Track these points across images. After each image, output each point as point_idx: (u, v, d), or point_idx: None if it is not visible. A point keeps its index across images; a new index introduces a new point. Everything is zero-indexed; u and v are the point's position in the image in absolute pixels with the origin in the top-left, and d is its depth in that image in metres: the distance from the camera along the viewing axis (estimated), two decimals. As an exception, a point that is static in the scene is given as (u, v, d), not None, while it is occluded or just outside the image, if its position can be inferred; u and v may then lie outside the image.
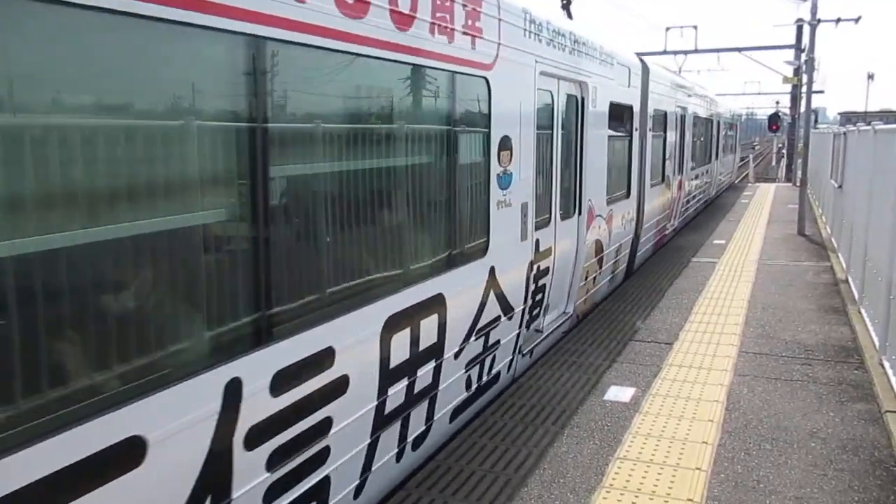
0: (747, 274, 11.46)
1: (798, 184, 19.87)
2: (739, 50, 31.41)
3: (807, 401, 6.20)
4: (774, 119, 32.28)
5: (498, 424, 5.68)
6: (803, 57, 20.90)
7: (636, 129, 10.86)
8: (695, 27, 30.49)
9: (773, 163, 45.75)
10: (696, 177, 18.46)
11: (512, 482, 4.80)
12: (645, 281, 11.03)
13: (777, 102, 49.11)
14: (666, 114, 13.41)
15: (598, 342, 7.87)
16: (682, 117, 15.36)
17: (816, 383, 6.61)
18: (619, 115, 9.81)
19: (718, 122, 23.11)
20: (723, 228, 16.77)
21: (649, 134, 11.84)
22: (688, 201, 17.27)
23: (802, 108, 19.20)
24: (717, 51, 32.96)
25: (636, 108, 10.75)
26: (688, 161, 16.35)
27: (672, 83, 14.40)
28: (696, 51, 31.33)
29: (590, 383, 6.61)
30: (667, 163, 13.81)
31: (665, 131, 13.47)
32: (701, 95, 18.77)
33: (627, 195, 10.69)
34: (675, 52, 31.28)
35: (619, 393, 6.37)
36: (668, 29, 31.23)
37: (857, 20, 26.19)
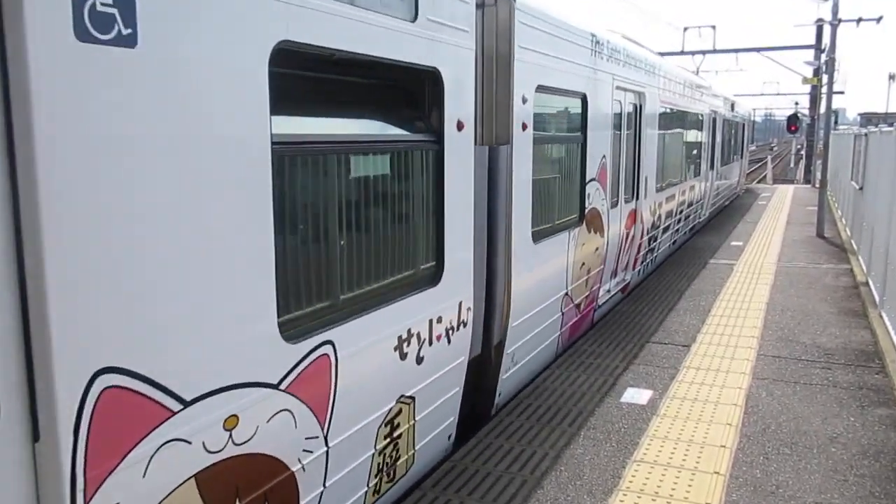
0: (766, 276, 11.35)
1: (817, 185, 19.67)
2: (758, 50, 31.17)
3: (827, 405, 6.13)
4: (793, 120, 31.95)
5: (514, 425, 5.67)
6: (823, 57, 20.70)
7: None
8: (713, 27, 30.29)
9: (792, 164, 45.33)
10: (673, 198, 12.74)
11: (528, 483, 4.79)
12: (662, 282, 10.96)
13: (796, 103, 48.63)
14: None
15: (614, 343, 7.83)
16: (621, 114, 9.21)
17: (836, 387, 6.54)
18: None
19: (714, 121, 17.40)
20: (741, 230, 16.63)
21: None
22: (652, 240, 11.43)
23: (822, 109, 19.00)
24: (736, 51, 32.68)
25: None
26: (648, 180, 10.58)
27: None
28: (714, 51, 31.11)
29: (606, 385, 6.58)
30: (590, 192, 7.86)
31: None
32: (670, 79, 11.85)
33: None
34: (693, 53, 31.11)
35: (635, 395, 6.34)
36: (686, 29, 31.02)
37: (878, 20, 25.86)
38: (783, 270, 11.83)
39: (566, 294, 7.34)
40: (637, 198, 10.21)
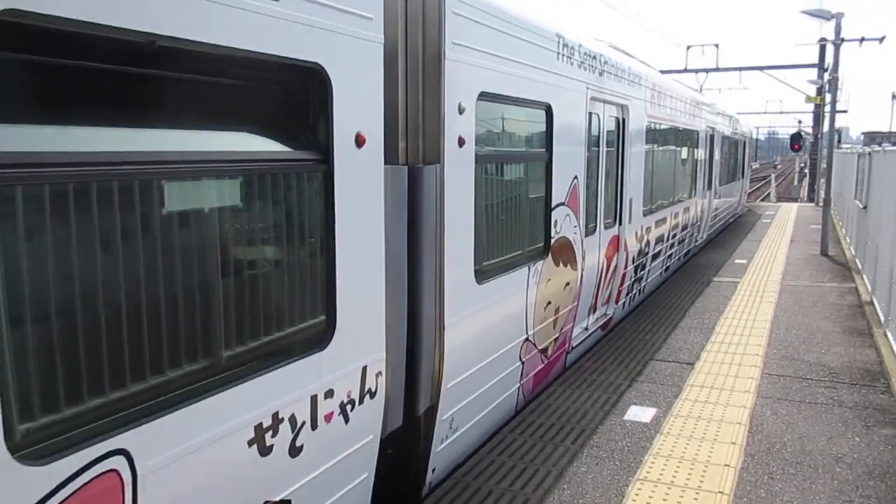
0: (770, 294, 11.32)
1: (821, 204, 19.67)
2: (761, 68, 31.30)
3: (832, 424, 6.09)
4: (797, 138, 31.99)
5: (517, 443, 5.64)
6: (826, 76, 20.77)
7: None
8: (716, 45, 30.44)
9: (796, 182, 45.35)
10: (664, 221, 11.80)
11: (531, 502, 4.75)
12: (666, 299, 10.93)
13: (799, 122, 48.74)
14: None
15: (618, 361, 7.79)
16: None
17: (841, 407, 6.49)
18: None
19: (711, 138, 16.35)
20: (744, 248, 16.61)
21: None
22: (639, 269, 10.41)
23: (826, 128, 19.03)
24: (739, 69, 32.79)
25: None
26: (634, 202, 9.58)
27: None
28: (717, 69, 31.25)
29: (609, 402, 6.54)
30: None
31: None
32: (653, 88, 10.39)
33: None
34: (696, 70, 31.24)
35: (639, 413, 6.30)
36: (689, 47, 31.18)
37: (881, 40, 25.99)
38: (787, 289, 11.79)
39: (527, 340, 6.25)
40: (620, 223, 9.08)
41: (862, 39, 26.05)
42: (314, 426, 3.60)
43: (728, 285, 12.04)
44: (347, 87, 3.61)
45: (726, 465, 5.27)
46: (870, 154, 12.96)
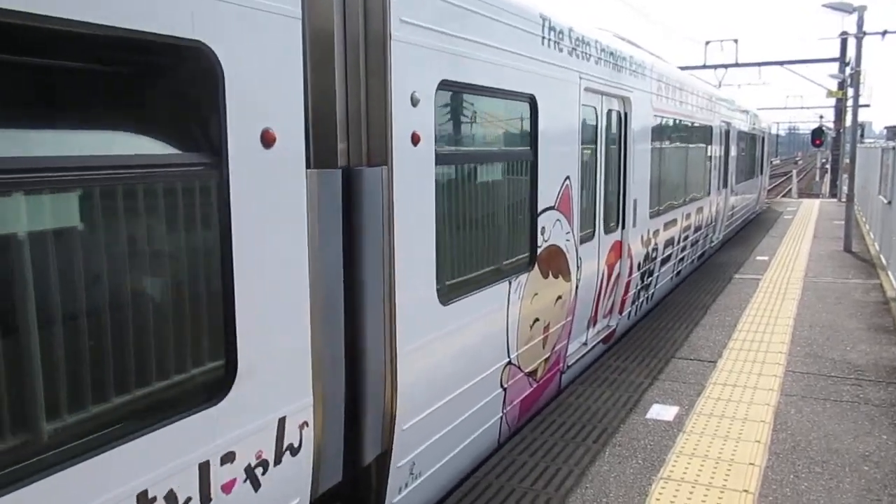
0: (792, 291, 11.19)
1: (843, 199, 19.41)
2: (781, 63, 30.96)
3: (858, 422, 6.00)
4: (818, 134, 31.61)
5: (538, 442, 5.62)
6: (848, 70, 20.50)
7: None
8: (735, 41, 30.16)
9: (817, 178, 44.81)
10: (674, 223, 10.99)
11: (552, 501, 4.73)
12: (686, 297, 10.84)
13: (821, 117, 48.19)
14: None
15: (639, 359, 7.75)
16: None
17: (868, 404, 6.40)
18: None
19: (727, 133, 15.35)
20: (766, 244, 16.43)
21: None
22: (646, 275, 9.60)
23: (848, 123, 18.79)
24: (759, 64, 32.49)
25: None
26: (638, 204, 8.84)
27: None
28: (736, 64, 30.98)
29: (631, 401, 6.50)
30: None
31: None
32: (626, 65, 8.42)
33: None
34: (716, 66, 30.99)
35: (661, 411, 6.25)
36: (707, 43, 30.92)
37: (904, 32, 25.59)
38: (810, 285, 11.65)
39: (509, 364, 5.54)
40: (623, 226, 8.30)
41: (885, 32, 25.68)
42: (206, 500, 2.88)
43: (750, 282, 11.92)
44: (247, 73, 2.93)
45: (751, 464, 5.21)
46: (894, 149, 12.76)
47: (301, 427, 3.39)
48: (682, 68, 18.79)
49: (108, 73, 2.57)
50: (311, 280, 3.38)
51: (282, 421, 3.27)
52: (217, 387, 2.92)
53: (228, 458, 2.97)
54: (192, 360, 2.86)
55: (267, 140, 3.05)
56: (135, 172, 2.57)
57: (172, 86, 2.80)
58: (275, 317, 3.18)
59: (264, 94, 3.04)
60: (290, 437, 3.33)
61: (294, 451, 3.37)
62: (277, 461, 3.27)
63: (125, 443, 2.52)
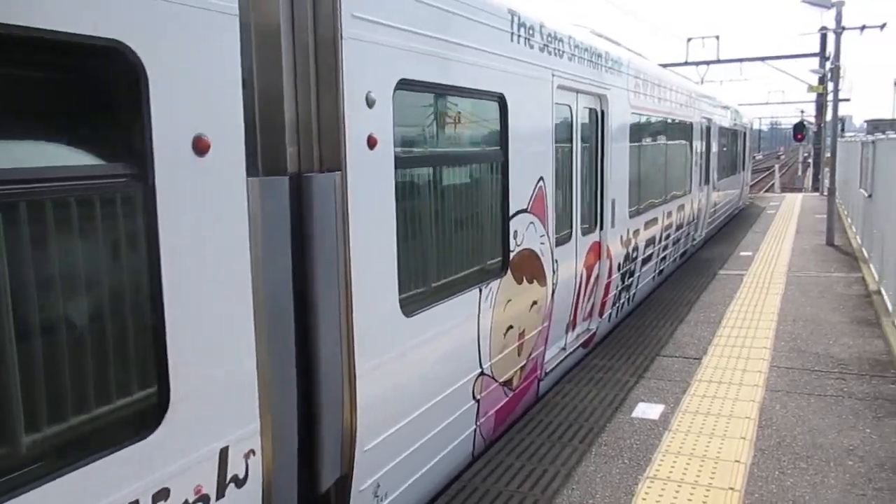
0: (776, 286, 11.25)
1: (825, 193, 19.56)
2: (763, 59, 31.22)
3: (842, 416, 6.03)
4: (799, 128, 31.89)
5: (525, 443, 5.60)
6: (828, 65, 20.66)
7: None
8: (717, 37, 30.36)
9: (799, 172, 45.19)
10: (654, 222, 10.83)
11: (540, 503, 4.71)
12: (671, 294, 10.87)
13: (802, 111, 48.61)
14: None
15: (624, 357, 7.75)
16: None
17: (851, 398, 6.44)
18: None
19: (707, 129, 15.14)
20: (749, 240, 16.53)
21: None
22: (627, 276, 9.50)
23: (829, 117, 18.94)
24: (740, 60, 32.70)
25: None
26: (617, 204, 8.69)
27: None
28: (718, 61, 31.20)
29: (617, 400, 6.50)
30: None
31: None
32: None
33: None
34: (697, 63, 31.19)
35: (647, 410, 6.25)
36: (689, 39, 31.10)
37: (882, 27, 25.85)
38: (794, 280, 11.73)
39: (482, 374, 5.36)
40: (601, 227, 8.14)
41: (863, 27, 25.95)
42: None
43: (734, 278, 11.98)
44: (175, 75, 2.70)
45: (736, 461, 5.22)
46: (874, 142, 12.87)
47: (247, 456, 3.18)
48: (665, 65, 18.86)
49: (14, 78, 2.34)
50: (254, 297, 3.15)
51: (224, 451, 3.04)
52: (147, 417, 2.70)
53: (162, 495, 2.74)
54: (117, 389, 2.63)
55: (200, 147, 2.82)
56: (48, 186, 2.35)
57: (89, 90, 2.58)
58: (212, 338, 2.94)
59: (196, 98, 2.79)
60: (235, 468, 3.10)
61: (239, 482, 3.14)
62: (220, 495, 3.04)
63: (40, 485, 2.30)
